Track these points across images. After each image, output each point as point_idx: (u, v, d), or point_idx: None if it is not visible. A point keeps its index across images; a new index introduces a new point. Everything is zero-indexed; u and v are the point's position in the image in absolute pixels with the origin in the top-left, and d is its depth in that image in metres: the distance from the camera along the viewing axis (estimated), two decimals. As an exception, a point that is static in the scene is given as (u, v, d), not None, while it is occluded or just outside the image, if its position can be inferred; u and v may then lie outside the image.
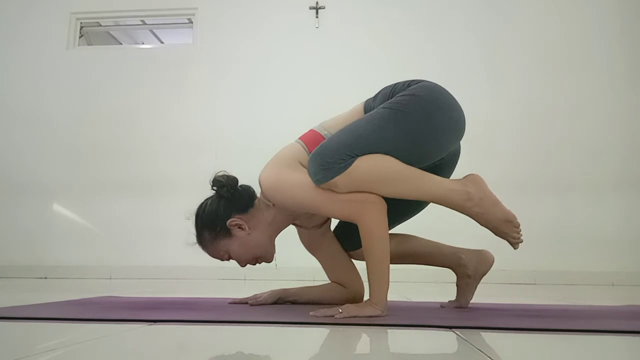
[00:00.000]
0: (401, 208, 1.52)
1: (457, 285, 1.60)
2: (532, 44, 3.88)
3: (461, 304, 1.58)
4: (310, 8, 4.09)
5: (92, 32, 4.58)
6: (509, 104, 3.81)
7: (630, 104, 3.73)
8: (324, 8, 4.08)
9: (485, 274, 1.57)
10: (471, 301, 1.60)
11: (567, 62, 3.83)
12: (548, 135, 3.73)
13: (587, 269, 3.50)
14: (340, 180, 1.28)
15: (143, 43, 5.30)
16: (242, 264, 1.52)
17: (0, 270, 3.82)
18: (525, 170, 3.68)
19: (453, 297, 1.62)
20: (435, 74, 4.20)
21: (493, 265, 1.57)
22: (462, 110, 1.42)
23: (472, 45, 3.92)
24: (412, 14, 4.01)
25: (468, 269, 1.55)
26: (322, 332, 1.15)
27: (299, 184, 1.34)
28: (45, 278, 3.76)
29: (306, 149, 1.40)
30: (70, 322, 1.25)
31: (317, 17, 4.08)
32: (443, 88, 1.42)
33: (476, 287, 1.59)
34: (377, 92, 1.49)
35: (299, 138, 1.46)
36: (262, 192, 1.46)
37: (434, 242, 1.62)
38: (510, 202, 1.37)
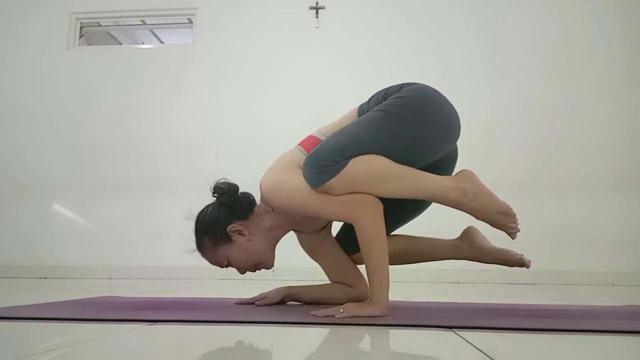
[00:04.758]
0: (400, 211, 1.53)
1: (475, 260, 1.58)
2: (532, 44, 3.88)
3: (503, 256, 1.54)
4: (310, 8, 4.09)
5: (92, 32, 4.58)
6: (509, 104, 3.81)
7: (630, 104, 3.73)
8: (324, 8, 4.08)
9: (482, 241, 1.56)
10: (471, 301, 1.60)
11: (567, 62, 3.83)
12: (548, 135, 3.73)
13: (587, 269, 3.49)
14: (335, 182, 1.28)
15: (143, 43, 5.30)
16: (242, 270, 1.52)
17: (0, 270, 3.82)
18: (525, 170, 3.68)
19: (453, 297, 1.63)
20: (435, 74, 4.21)
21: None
22: (455, 111, 1.43)
23: (472, 45, 3.92)
24: (412, 14, 4.01)
25: (471, 247, 1.56)
26: (322, 332, 1.15)
27: (296, 186, 1.34)
28: (45, 278, 3.76)
29: (305, 153, 1.41)
30: (70, 322, 1.25)
31: (317, 17, 4.08)
32: (435, 89, 1.43)
33: (486, 244, 1.57)
34: (370, 95, 1.50)
35: (298, 144, 1.47)
36: (261, 197, 1.47)
37: (428, 237, 1.63)
38: (511, 202, 1.37)
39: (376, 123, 1.33)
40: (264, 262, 1.52)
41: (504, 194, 1.40)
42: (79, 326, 1.20)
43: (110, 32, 4.90)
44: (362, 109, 1.47)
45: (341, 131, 1.36)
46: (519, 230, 1.35)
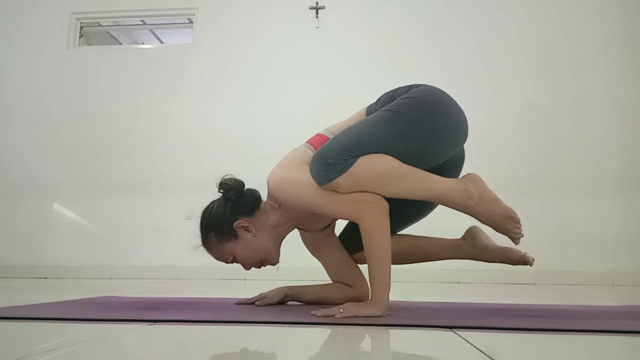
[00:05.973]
0: (405, 213, 1.53)
1: (478, 259, 1.58)
2: (533, 43, 3.88)
3: (506, 255, 1.54)
4: (310, 8, 4.09)
5: (92, 32, 4.58)
6: (509, 104, 3.82)
7: (630, 104, 3.73)
8: (324, 8, 4.08)
9: (484, 240, 1.56)
10: (471, 301, 1.60)
11: (567, 62, 3.83)
12: (548, 135, 3.73)
13: (587, 269, 3.50)
14: (342, 180, 1.29)
15: (143, 43, 5.30)
16: (247, 267, 1.52)
17: (0, 270, 3.82)
18: (525, 170, 3.68)
19: (453, 297, 1.62)
20: (436, 74, 4.21)
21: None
22: (463, 113, 1.43)
23: (472, 45, 3.92)
24: (412, 14, 4.01)
25: (473, 245, 1.56)
26: (322, 332, 1.15)
27: (303, 183, 1.35)
28: (45, 278, 3.76)
29: (313, 151, 1.41)
30: (70, 322, 1.25)
31: (317, 17, 4.08)
32: (443, 91, 1.43)
33: (489, 243, 1.57)
34: (378, 96, 1.50)
35: (306, 142, 1.47)
36: (268, 193, 1.48)
37: (430, 236, 1.63)
38: (511, 202, 1.37)
39: (384, 123, 1.34)
40: (269, 258, 1.52)
41: (504, 194, 1.41)
42: (79, 326, 1.19)
43: (110, 32, 4.90)
44: (370, 110, 1.47)
45: (349, 130, 1.37)
46: (522, 236, 1.35)
